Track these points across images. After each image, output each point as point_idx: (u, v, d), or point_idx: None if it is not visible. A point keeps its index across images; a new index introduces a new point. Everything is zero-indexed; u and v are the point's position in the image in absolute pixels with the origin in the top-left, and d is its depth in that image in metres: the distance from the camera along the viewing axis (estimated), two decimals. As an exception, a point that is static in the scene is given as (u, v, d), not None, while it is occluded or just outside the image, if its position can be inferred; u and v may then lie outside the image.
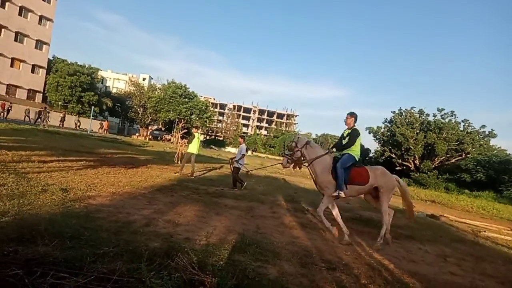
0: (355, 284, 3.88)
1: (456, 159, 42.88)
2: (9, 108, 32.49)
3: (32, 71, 47.55)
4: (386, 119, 52.53)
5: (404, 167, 47.19)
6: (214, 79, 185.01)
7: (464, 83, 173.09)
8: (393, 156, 48.20)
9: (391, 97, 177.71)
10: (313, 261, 4.45)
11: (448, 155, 43.74)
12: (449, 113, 45.72)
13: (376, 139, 53.77)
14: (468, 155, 41.28)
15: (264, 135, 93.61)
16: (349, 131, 6.33)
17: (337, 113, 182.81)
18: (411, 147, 44.85)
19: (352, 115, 6.39)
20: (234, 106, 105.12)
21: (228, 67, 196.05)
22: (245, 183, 10.78)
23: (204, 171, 14.60)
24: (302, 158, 6.54)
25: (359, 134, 6.27)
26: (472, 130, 44.33)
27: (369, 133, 54.24)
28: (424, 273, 4.78)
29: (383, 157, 49.80)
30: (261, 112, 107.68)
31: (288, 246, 5.01)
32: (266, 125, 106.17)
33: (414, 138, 45.00)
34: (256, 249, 4.46)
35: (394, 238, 6.95)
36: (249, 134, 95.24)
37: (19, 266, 2.65)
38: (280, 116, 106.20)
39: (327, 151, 6.40)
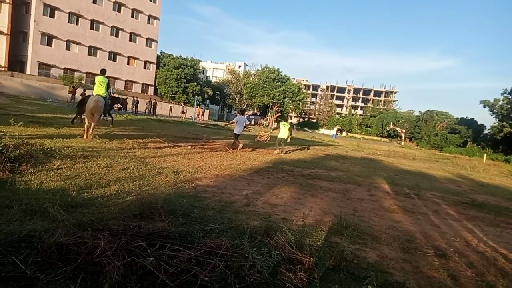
0: (465, 272, 3.57)
1: None
2: (155, 104, 36.61)
3: (144, 67, 53.44)
4: (506, 89, 45.45)
5: (530, 145, 40.51)
6: (306, 60, 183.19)
7: None
8: (516, 132, 41.68)
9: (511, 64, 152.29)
10: (417, 247, 4.22)
11: None
12: None
13: (493, 113, 47.09)
14: None
15: (360, 115, 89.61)
16: None
17: (444, 86, 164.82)
18: (539, 120, 38.15)
19: None
20: (327, 87, 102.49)
21: (320, 46, 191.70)
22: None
23: (295, 151, 14.73)
24: None
25: None
26: None
27: (484, 107, 47.82)
28: (555, 266, 4.15)
29: (502, 134, 43.41)
30: (356, 91, 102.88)
31: (389, 230, 4.83)
32: (362, 104, 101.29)
33: (543, 110, 38.14)
34: (353, 231, 4.41)
35: (516, 225, 6.13)
36: (343, 114, 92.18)
37: (142, 238, 3.08)
38: (377, 93, 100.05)
39: None
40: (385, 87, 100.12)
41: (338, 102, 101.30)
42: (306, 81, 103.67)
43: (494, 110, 46.69)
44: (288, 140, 14.52)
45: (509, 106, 43.19)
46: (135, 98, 34.20)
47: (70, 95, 29.07)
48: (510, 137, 42.78)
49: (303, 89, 70.65)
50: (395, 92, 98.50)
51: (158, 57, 56.62)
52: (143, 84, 53.12)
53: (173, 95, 53.52)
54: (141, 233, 3.24)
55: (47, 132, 9.31)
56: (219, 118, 63.64)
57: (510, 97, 43.87)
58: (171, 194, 4.98)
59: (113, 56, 48.79)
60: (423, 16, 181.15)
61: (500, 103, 45.66)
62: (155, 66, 54.99)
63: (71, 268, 2.51)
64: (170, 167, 7.10)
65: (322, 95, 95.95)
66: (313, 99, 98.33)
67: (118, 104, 15.94)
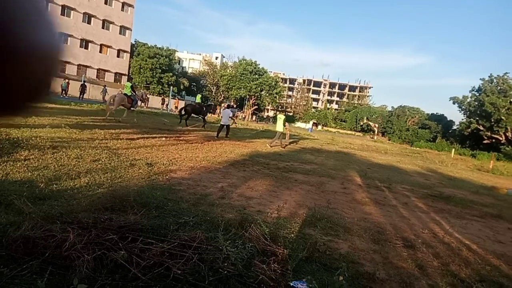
0: (432, 262, 3.72)
1: (560, 130, 37.34)
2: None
3: (118, 56, 51.86)
4: (474, 87, 47.33)
5: (493, 140, 42.51)
6: (283, 53, 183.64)
7: None
8: (481, 128, 43.58)
9: (481, 64, 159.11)
10: (387, 238, 4.35)
11: (547, 126, 38.22)
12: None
13: (462, 109, 48.96)
14: None
15: (335, 109, 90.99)
16: None
17: (417, 82, 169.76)
18: (503, 117, 39.97)
19: None
20: (304, 81, 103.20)
21: (298, 39, 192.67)
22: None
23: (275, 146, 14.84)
24: None
25: None
26: None
27: (453, 103, 49.59)
28: (514, 255, 4.39)
29: (469, 130, 45.35)
30: (332, 85, 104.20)
31: (360, 222, 4.95)
32: (337, 98, 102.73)
33: (506, 107, 39.97)
34: (326, 223, 4.49)
35: (479, 217, 6.44)
36: (319, 108, 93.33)
37: (114, 232, 3.02)
38: (352, 88, 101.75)
39: None
40: (359, 82, 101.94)
41: (314, 96, 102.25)
42: (283, 74, 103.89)
43: (463, 107, 48.50)
44: (285, 132, 15.12)
45: (476, 103, 44.98)
46: (105, 87, 33.05)
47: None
48: (477, 133, 44.70)
49: (280, 82, 70.81)
50: (369, 88, 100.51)
51: (132, 46, 55.08)
52: (116, 73, 51.61)
53: (147, 85, 52.39)
54: (112, 226, 3.18)
55: (13, 121, 8.89)
56: (195, 109, 62.79)
57: (477, 94, 45.67)
58: (144, 187, 4.89)
59: (84, 43, 47.01)
60: (399, 13, 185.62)
61: (468, 100, 47.47)
62: (129, 55, 53.49)
63: (38, 262, 2.43)
64: (144, 159, 6.97)
65: (299, 89, 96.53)
66: (290, 93, 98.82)
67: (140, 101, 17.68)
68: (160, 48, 56.23)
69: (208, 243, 3.05)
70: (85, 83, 31.45)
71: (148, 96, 28.90)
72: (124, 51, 52.75)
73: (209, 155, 8.96)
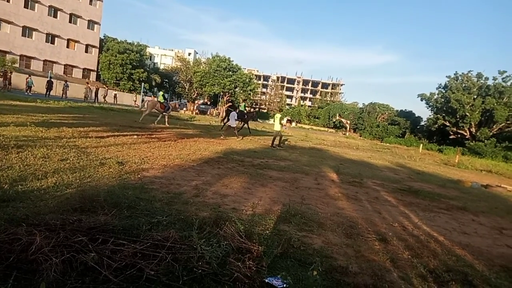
0: (402, 255, 3.84)
1: (518, 125, 39.43)
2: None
3: (86, 51, 50.16)
4: (440, 84, 49.19)
5: (459, 136, 44.42)
6: (257, 50, 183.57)
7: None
8: (447, 124, 45.38)
9: (447, 62, 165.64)
10: (359, 232, 4.45)
11: (508, 122, 40.24)
12: (512, 75, 41.70)
13: (429, 106, 50.77)
14: (531, 121, 37.78)
15: (309, 106, 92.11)
16: None
17: (387, 80, 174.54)
18: (467, 113, 41.83)
19: None
20: (278, 78, 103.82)
21: (272, 36, 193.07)
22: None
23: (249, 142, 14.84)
24: None
25: None
26: (538, 93, 40.29)
27: (421, 100, 51.33)
28: (477, 245, 4.62)
29: (436, 125, 47.12)
30: (305, 82, 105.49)
31: (333, 217, 5.04)
32: (311, 95, 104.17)
33: (470, 104, 41.82)
34: (300, 219, 4.55)
35: (446, 209, 6.71)
36: (293, 105, 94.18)
37: (83, 233, 2.92)
38: (325, 86, 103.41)
39: None
40: (332, 79, 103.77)
41: (288, 93, 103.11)
42: (257, 71, 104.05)
43: (430, 103, 50.24)
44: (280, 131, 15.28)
45: (443, 100, 46.72)
46: (66, 83, 31.70)
47: (1, 79, 26.49)
48: (443, 129, 46.48)
49: (254, 79, 70.78)
50: (342, 85, 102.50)
51: (101, 40, 53.34)
52: (84, 69, 49.92)
53: (117, 82, 50.93)
54: (81, 227, 3.08)
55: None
56: (167, 106, 61.70)
57: (444, 91, 47.44)
58: (115, 186, 4.76)
59: (50, 38, 45.12)
60: (369, 11, 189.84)
61: (435, 97, 49.23)
62: (97, 50, 51.80)
63: (1, 267, 2.31)
64: (114, 157, 6.78)
65: (273, 86, 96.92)
66: (264, 90, 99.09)
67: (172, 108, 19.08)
68: (130, 43, 54.77)
69: (182, 242, 3.01)
70: (52, 79, 30.16)
71: (178, 106, 28.38)
72: (93, 46, 51.09)
73: (183, 153, 8.84)
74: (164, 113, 17.84)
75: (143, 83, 47.04)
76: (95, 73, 52.13)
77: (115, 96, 38.97)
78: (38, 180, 4.50)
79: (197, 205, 4.56)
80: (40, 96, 24.50)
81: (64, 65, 47.00)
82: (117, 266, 2.52)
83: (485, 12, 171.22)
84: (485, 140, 37.95)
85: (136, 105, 40.51)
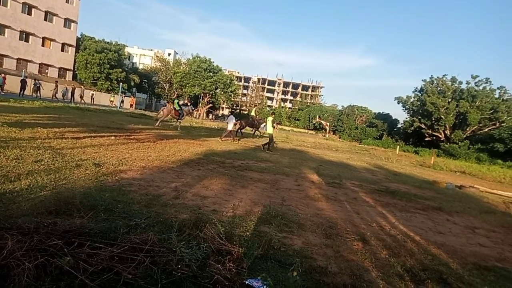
0: (380, 254, 3.92)
1: (489, 128, 41.01)
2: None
3: (62, 50, 48.73)
4: (416, 88, 50.75)
5: (434, 138, 45.81)
6: (238, 51, 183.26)
7: (501, 49, 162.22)
8: (423, 126, 46.75)
9: (423, 65, 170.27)
10: (338, 232, 4.51)
11: (481, 124, 41.88)
12: (484, 80, 43.42)
13: (406, 109, 52.17)
14: (502, 124, 39.33)
15: (289, 108, 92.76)
16: None
17: (365, 83, 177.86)
18: (442, 116, 43.22)
19: None
20: (259, 79, 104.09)
21: (253, 38, 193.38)
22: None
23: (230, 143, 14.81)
24: None
25: None
26: (508, 97, 42.09)
27: (398, 103, 52.72)
28: (451, 244, 4.76)
29: (412, 128, 48.45)
30: (286, 84, 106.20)
31: (313, 217, 5.08)
32: (291, 97, 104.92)
33: (445, 107, 43.25)
34: (281, 220, 4.56)
35: (422, 210, 6.89)
36: (273, 107, 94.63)
37: (58, 237, 2.83)
38: (305, 88, 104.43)
39: None
40: (312, 82, 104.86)
41: (268, 94, 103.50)
42: (238, 72, 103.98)
43: (406, 106, 51.65)
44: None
45: (418, 103, 48.11)
46: (37, 81, 30.52)
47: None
48: (419, 131, 47.83)
49: (235, 81, 70.72)
50: (321, 87, 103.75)
51: (78, 39, 51.98)
52: (60, 68, 48.49)
53: (94, 81, 49.77)
54: (56, 230, 2.98)
55: None
56: (146, 107, 60.87)
57: (419, 95, 48.89)
58: (92, 188, 4.64)
59: (25, 36, 43.58)
60: (348, 15, 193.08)
61: (411, 100, 50.65)
62: (74, 49, 50.47)
63: (-31, 274, 2.21)
64: (91, 159, 6.62)
65: (254, 87, 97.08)
66: (245, 91, 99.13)
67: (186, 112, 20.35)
68: (108, 42, 53.58)
69: (161, 245, 2.97)
70: (26, 79, 29.13)
71: (192, 110, 28.16)
72: (69, 45, 49.71)
73: (162, 154, 8.72)
74: (179, 119, 19.32)
75: (121, 83, 46.14)
76: (72, 72, 50.76)
77: (92, 96, 38.08)
78: (11, 182, 4.33)
79: (176, 207, 4.50)
80: (13, 96, 23.67)
81: (39, 64, 45.52)
82: (94, 270, 2.45)
83: (461, 17, 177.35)
84: (459, 142, 39.28)
85: (113, 105, 39.71)
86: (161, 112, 19.59)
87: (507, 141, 33.87)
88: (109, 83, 50.82)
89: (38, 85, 29.90)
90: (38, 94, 29.56)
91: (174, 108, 19.17)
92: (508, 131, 34.74)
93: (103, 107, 32.13)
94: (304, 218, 4.97)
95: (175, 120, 19.48)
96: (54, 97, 30.91)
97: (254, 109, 22.94)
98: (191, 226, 3.61)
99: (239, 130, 20.22)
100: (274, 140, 15.72)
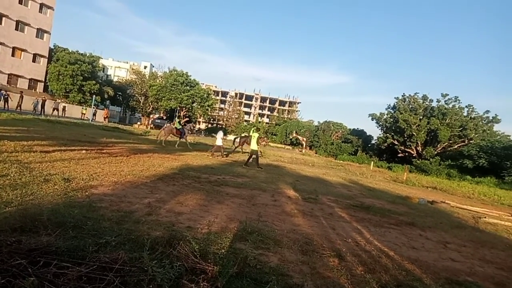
0: (355, 270, 3.91)
1: (459, 145, 42.64)
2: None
3: (34, 60, 47.33)
4: (389, 105, 52.23)
5: (406, 154, 47.09)
6: (215, 66, 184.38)
7: (469, 69, 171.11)
8: (396, 142, 48.04)
9: (396, 83, 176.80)
10: (314, 249, 4.49)
11: (451, 141, 43.52)
12: (453, 98, 45.28)
13: (379, 125, 53.52)
14: (471, 141, 40.97)
15: (266, 123, 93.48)
16: None
17: (340, 99, 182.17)
18: (414, 133, 44.63)
19: None
20: (236, 94, 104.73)
21: (230, 53, 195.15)
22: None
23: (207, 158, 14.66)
24: None
25: None
26: (476, 115, 44.02)
27: (372, 119, 53.99)
28: (425, 259, 4.83)
29: (386, 144, 49.67)
30: (263, 99, 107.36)
31: (290, 234, 5.05)
32: (268, 112, 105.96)
33: (417, 124, 44.73)
34: (257, 237, 4.50)
35: (395, 225, 6.99)
36: (251, 122, 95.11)
37: (22, 256, 2.67)
38: (282, 103, 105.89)
39: None
40: (289, 97, 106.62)
41: (246, 109, 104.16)
42: (216, 87, 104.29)
43: (380, 123, 53.04)
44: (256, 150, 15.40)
45: (392, 120, 49.56)
46: (5, 92, 29.34)
47: None
48: (392, 147, 49.07)
49: (212, 95, 70.70)
50: (298, 103, 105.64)
51: (50, 50, 50.70)
52: (30, 80, 46.97)
53: (67, 93, 48.44)
54: (21, 249, 2.81)
55: None
56: (120, 120, 59.67)
57: (392, 112, 50.39)
58: (60, 204, 4.43)
59: (-7, 45, 42.20)
60: (324, 33, 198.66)
61: (384, 116, 52.09)
62: (46, 60, 49.13)
63: None
64: (60, 173, 6.36)
65: (231, 102, 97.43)
66: (222, 105, 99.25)
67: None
68: (82, 54, 52.56)
69: (132, 264, 2.84)
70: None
71: (194, 127, 28.06)
72: (41, 56, 48.37)
73: (135, 169, 8.50)
74: (181, 138, 19.76)
75: (94, 96, 45.10)
76: (43, 84, 49.28)
77: (63, 109, 36.94)
78: (-29, 198, 4.08)
79: (149, 224, 4.36)
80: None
81: (8, 74, 43.94)
82: (59, 292, 2.31)
83: (431, 37, 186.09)
84: (430, 159, 40.54)
85: (85, 118, 38.66)
86: (162, 132, 19.70)
87: (475, 158, 35.22)
88: (81, 95, 49.60)
89: (6, 96, 28.78)
90: (6, 106, 28.42)
91: (176, 128, 19.69)
92: (476, 148, 36.20)
93: (75, 119, 31.23)
94: (280, 234, 4.93)
95: (179, 139, 19.84)
96: (18, 108, 29.72)
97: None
98: (164, 244, 3.50)
99: (239, 147, 20.70)
100: (254, 156, 15.38)
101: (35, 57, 47.43)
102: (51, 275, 2.49)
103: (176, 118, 22.56)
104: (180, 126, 19.95)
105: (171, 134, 19.54)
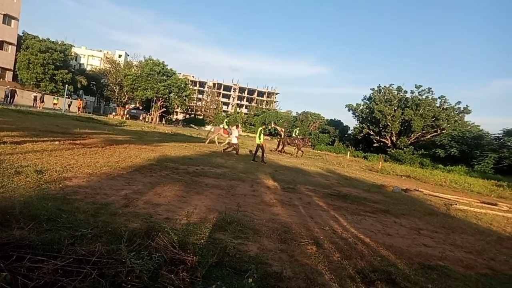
0: (332, 257, 4.01)
1: (432, 135, 44.09)
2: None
3: (1, 48, 45.13)
4: (365, 96, 53.25)
5: (381, 144, 48.28)
6: (193, 55, 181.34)
7: (443, 60, 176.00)
8: (371, 133, 49.13)
9: (372, 75, 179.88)
10: (293, 237, 4.56)
11: (424, 131, 44.95)
12: (426, 89, 46.65)
13: (355, 116, 54.52)
14: (443, 131, 42.43)
15: (245, 113, 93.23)
16: None
17: (318, 90, 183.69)
18: (389, 123, 45.76)
19: None
20: (214, 84, 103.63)
21: (208, 43, 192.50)
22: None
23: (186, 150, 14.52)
24: None
25: None
26: (448, 106, 45.55)
27: (348, 110, 54.93)
28: (399, 245, 4.99)
29: (362, 134, 50.70)
30: (242, 90, 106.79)
31: (268, 223, 5.10)
32: (247, 103, 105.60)
33: (391, 115, 45.85)
34: (236, 227, 4.53)
35: (371, 213, 7.18)
36: (229, 112, 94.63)
37: (-6, 251, 2.59)
38: (260, 94, 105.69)
39: None
40: (267, 88, 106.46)
41: (224, 100, 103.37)
42: (193, 77, 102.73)
43: (356, 114, 54.06)
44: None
45: (367, 111, 50.57)
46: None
47: None
48: (368, 137, 50.19)
49: (189, 85, 69.71)
50: (276, 93, 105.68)
51: (19, 37, 48.43)
52: (-2, 68, 44.93)
53: (37, 83, 46.58)
54: (-9, 244, 2.71)
55: None
56: (94, 110, 57.99)
57: (368, 103, 51.41)
58: (33, 197, 4.30)
59: (-44, 31, 39.90)
60: (303, 23, 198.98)
61: (361, 107, 53.10)
62: (15, 48, 46.94)
63: None
64: (32, 165, 6.15)
65: (209, 92, 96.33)
66: (200, 96, 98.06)
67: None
68: (53, 42, 50.49)
69: (109, 256, 2.80)
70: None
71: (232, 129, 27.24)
72: (9, 43, 46.11)
73: (111, 160, 8.33)
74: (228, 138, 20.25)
75: (67, 85, 43.55)
76: (12, 72, 47.14)
77: (35, 98, 35.53)
78: None
79: (126, 216, 4.30)
80: None
81: (-27, 62, 41.85)
82: (35, 285, 2.27)
83: (405, 31, 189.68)
84: (404, 148, 41.77)
85: (57, 108, 37.38)
86: (212, 130, 21.91)
87: (447, 147, 36.55)
88: (53, 84, 47.84)
89: None
90: None
91: (223, 128, 21.40)
92: (448, 138, 37.54)
93: (47, 110, 30.13)
94: (259, 223, 4.97)
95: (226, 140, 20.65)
96: None
97: (298, 129, 24.07)
98: (142, 236, 3.47)
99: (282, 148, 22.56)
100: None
101: (2, 44, 45.18)
102: (25, 269, 2.43)
103: (225, 120, 24.78)
104: (228, 127, 21.57)
105: (219, 135, 21.27)
